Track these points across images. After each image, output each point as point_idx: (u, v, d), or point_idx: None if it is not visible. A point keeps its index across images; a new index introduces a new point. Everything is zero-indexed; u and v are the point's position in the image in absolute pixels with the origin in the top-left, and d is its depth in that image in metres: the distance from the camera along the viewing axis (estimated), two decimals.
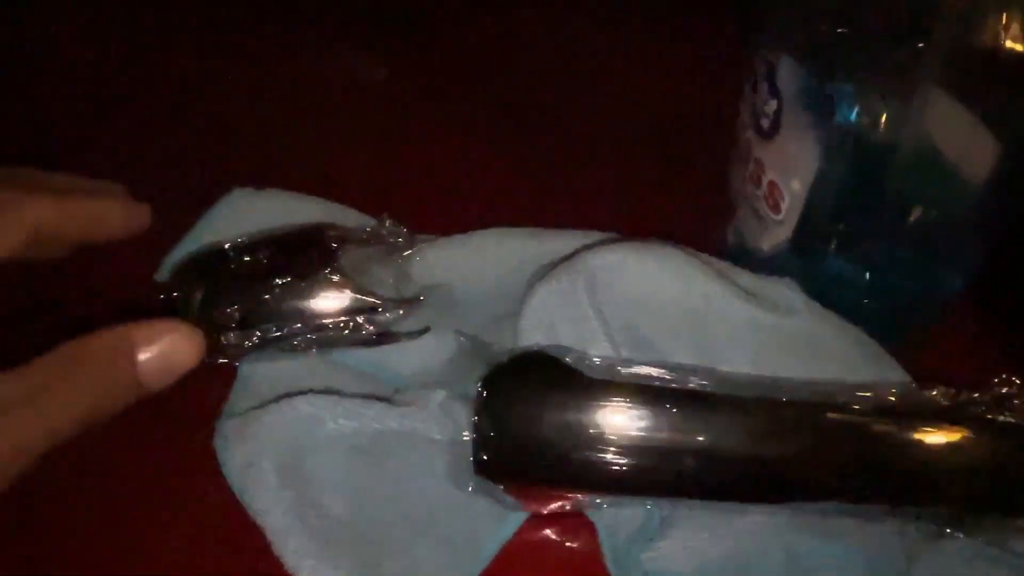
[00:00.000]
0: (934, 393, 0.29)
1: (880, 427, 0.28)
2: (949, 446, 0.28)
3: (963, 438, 0.28)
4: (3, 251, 0.21)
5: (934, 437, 0.28)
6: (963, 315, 0.34)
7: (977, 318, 0.35)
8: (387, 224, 0.37)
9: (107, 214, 0.25)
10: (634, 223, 0.37)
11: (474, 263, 0.36)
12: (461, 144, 0.47)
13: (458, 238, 0.37)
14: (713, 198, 0.40)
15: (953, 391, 0.29)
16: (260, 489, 0.26)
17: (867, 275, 0.31)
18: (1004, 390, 0.29)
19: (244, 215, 0.38)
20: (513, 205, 0.43)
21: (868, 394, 0.29)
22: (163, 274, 0.36)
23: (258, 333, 0.31)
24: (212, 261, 0.33)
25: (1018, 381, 0.29)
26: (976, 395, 0.29)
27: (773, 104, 0.30)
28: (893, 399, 0.29)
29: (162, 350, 0.20)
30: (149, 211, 0.27)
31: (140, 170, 0.43)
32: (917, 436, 0.28)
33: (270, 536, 0.26)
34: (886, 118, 0.26)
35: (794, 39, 0.29)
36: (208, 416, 0.31)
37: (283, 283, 0.32)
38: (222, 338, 0.31)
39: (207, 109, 0.48)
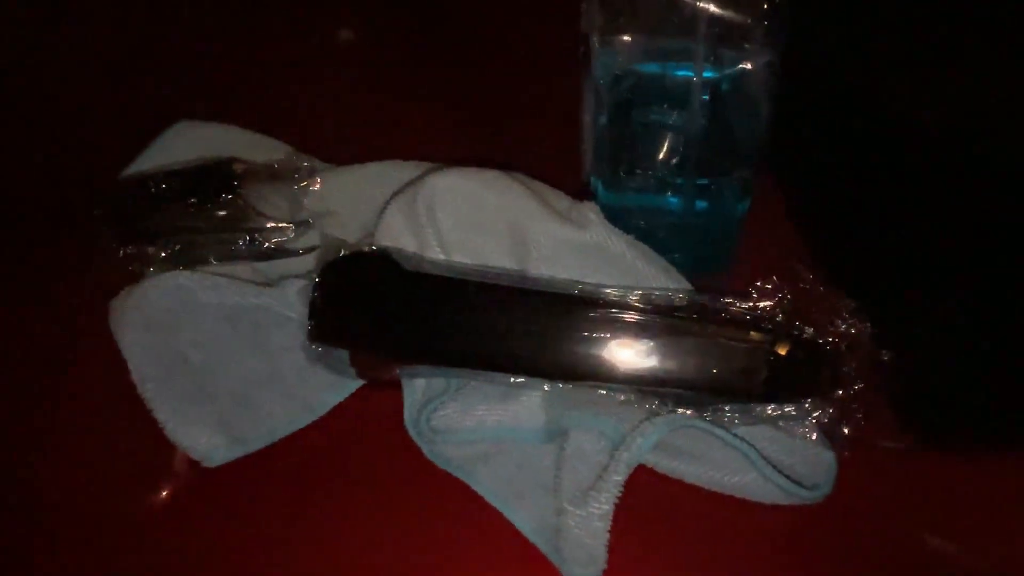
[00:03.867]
0: (692, 296, 0.34)
1: (637, 319, 0.33)
2: (692, 338, 0.32)
3: (705, 332, 0.32)
4: None
5: (681, 329, 0.32)
6: (758, 242, 0.38)
7: (772, 243, 0.39)
8: (293, 155, 0.45)
9: None
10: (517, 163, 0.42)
11: (361, 190, 0.43)
12: (397, 95, 0.54)
13: (351, 168, 0.44)
14: None
15: (711, 295, 0.33)
16: (127, 335, 0.34)
17: (661, 200, 0.36)
18: (763, 298, 0.33)
19: (187, 141, 0.46)
20: (436, 148, 0.48)
21: (645, 295, 0.34)
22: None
23: (173, 246, 0.39)
24: (136, 187, 0.41)
25: (766, 285, 0.33)
26: (730, 300, 0.33)
27: (584, 47, 0.35)
28: (656, 299, 0.34)
29: None
30: None
31: (126, 110, 0.52)
32: (667, 328, 0.32)
33: (130, 369, 0.33)
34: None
35: None
36: None
37: (190, 204, 0.40)
38: (145, 249, 0.39)
39: (176, 60, 0.57)
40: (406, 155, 0.46)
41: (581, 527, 0.29)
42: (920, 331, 0.32)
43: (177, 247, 0.39)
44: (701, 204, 0.36)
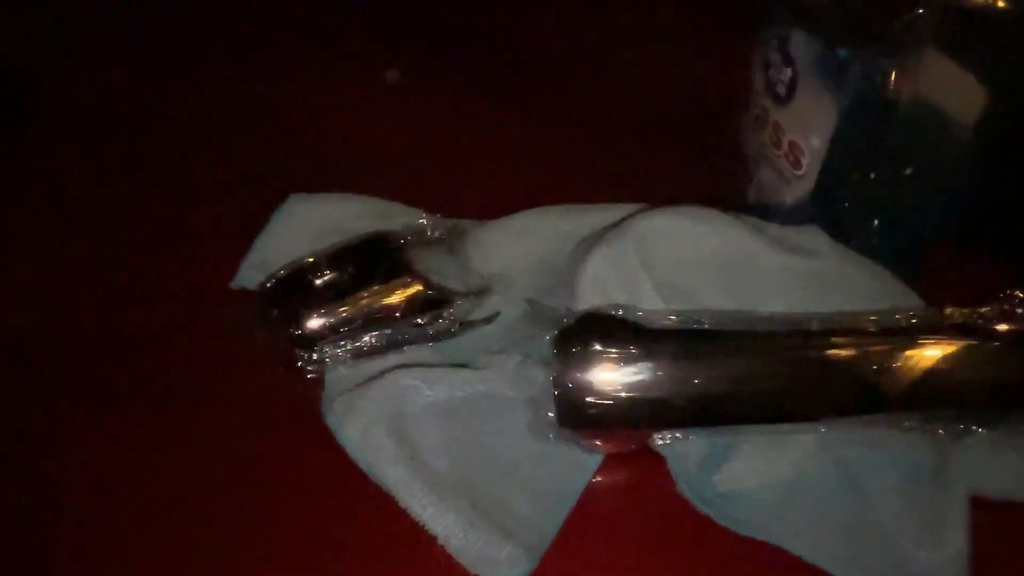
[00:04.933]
0: (948, 312, 0.33)
1: (905, 346, 0.32)
2: (965, 354, 0.32)
3: (976, 347, 0.32)
4: None
5: (953, 348, 0.32)
6: (966, 249, 0.39)
7: (978, 251, 0.39)
8: (428, 217, 0.41)
9: None
10: (655, 194, 0.40)
11: (522, 244, 0.40)
12: (487, 133, 0.51)
13: (502, 222, 0.41)
14: (724, 166, 0.44)
15: (964, 309, 0.33)
16: (379, 452, 0.30)
17: (878, 217, 0.35)
18: (1006, 305, 0.33)
19: (304, 219, 0.41)
20: (540, 186, 0.45)
21: (894, 318, 0.33)
22: (238, 282, 0.39)
23: (351, 343, 0.35)
24: (300, 279, 0.36)
25: (1020, 294, 0.33)
26: (984, 310, 0.33)
27: (788, 72, 0.33)
28: (914, 321, 0.33)
29: None
30: None
31: (199, 185, 0.46)
32: (938, 349, 0.32)
33: (393, 491, 0.29)
34: (891, 77, 0.30)
35: (803, 12, 0.32)
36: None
37: (367, 294, 0.35)
38: (315, 352, 0.34)
39: (235, 128, 0.51)
40: (522, 200, 0.44)
41: (939, 568, 0.28)
42: None
43: (360, 342, 0.35)
44: (918, 217, 0.35)
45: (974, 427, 0.31)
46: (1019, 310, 0.33)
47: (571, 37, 0.58)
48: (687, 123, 0.50)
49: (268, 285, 0.36)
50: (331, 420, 0.31)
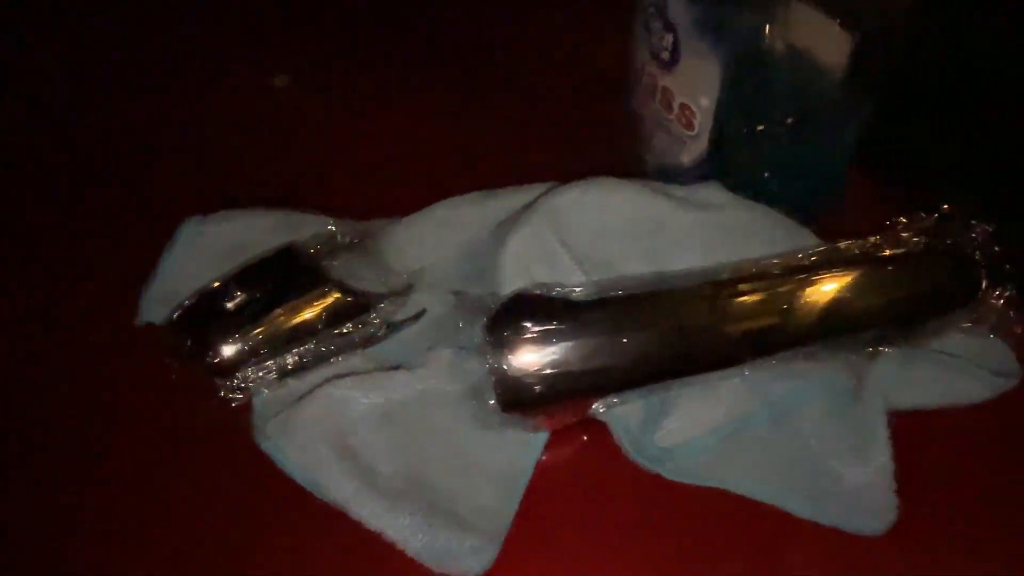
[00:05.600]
0: (842, 246, 0.35)
1: (808, 282, 0.34)
2: (862, 282, 0.34)
3: (872, 273, 0.34)
4: None
5: (851, 278, 0.34)
6: (859, 188, 0.41)
7: (871, 189, 0.42)
8: (335, 223, 0.40)
9: None
10: (560, 173, 0.40)
11: (439, 236, 0.39)
12: (383, 133, 0.50)
13: (415, 217, 0.40)
14: (623, 136, 0.45)
15: (857, 241, 0.35)
16: (323, 469, 0.29)
17: (771, 167, 0.37)
18: (893, 231, 0.36)
19: (204, 242, 0.39)
20: (443, 177, 0.45)
21: (795, 258, 0.35)
22: (142, 318, 0.37)
23: (275, 363, 0.33)
24: (209, 306, 0.34)
25: (903, 220, 0.36)
26: (875, 238, 0.35)
27: (669, 37, 0.35)
28: (814, 258, 0.35)
29: None
30: None
31: (87, 209, 0.43)
32: (838, 281, 0.34)
33: (343, 505, 0.28)
34: (765, 31, 0.32)
35: None
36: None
37: (284, 310, 0.34)
38: (236, 378, 0.33)
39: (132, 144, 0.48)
40: (409, 183, 0.44)
41: (869, 482, 0.30)
42: None
43: (286, 362, 0.33)
44: (808, 161, 0.37)
45: (882, 347, 0.34)
46: (904, 234, 0.35)
47: (460, 23, 0.58)
48: (583, 100, 0.51)
49: (175, 316, 0.34)
50: (266, 445, 0.30)
